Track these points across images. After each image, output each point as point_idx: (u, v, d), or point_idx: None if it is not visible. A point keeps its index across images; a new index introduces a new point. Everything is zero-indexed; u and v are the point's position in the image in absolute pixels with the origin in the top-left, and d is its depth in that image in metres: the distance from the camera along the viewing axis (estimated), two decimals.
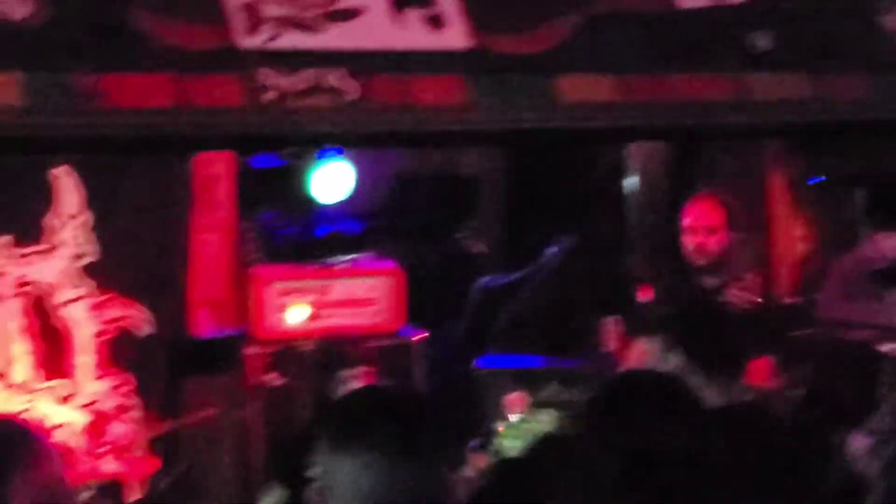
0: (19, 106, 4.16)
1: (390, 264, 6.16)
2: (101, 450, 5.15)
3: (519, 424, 4.92)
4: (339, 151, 5.75)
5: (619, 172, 6.77)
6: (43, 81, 3.28)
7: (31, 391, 5.40)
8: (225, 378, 5.73)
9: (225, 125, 4.72)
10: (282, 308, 5.83)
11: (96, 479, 4.76)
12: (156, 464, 5.03)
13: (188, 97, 4.51)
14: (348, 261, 6.15)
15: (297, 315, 5.84)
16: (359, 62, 4.85)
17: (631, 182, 6.73)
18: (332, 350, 5.85)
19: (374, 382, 5.42)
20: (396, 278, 6.03)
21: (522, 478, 3.02)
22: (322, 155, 5.76)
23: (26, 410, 5.46)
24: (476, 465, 4.55)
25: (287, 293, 5.86)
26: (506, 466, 3.50)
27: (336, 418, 2.20)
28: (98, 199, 5.68)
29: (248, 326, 5.86)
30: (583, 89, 5.03)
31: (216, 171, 5.99)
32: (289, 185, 6.00)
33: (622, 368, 4.26)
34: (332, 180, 5.89)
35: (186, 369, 5.70)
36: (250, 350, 5.80)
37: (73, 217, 5.65)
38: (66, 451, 5.36)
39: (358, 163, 5.96)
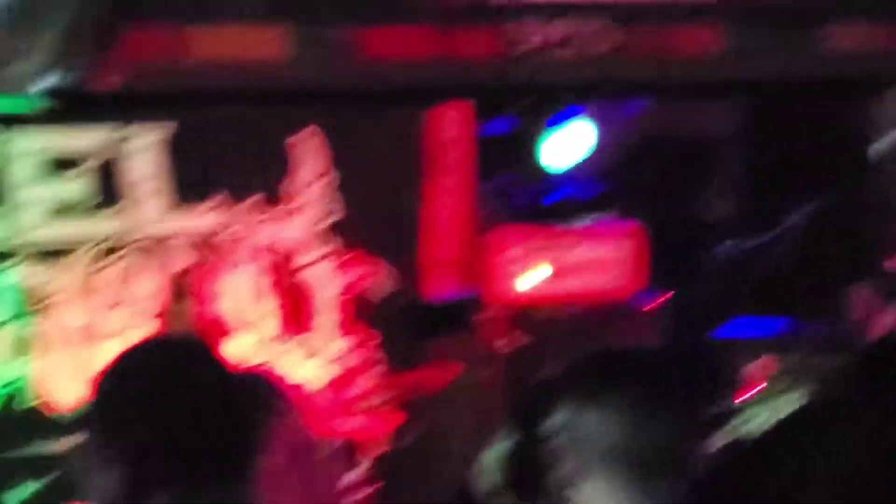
0: (284, 60, 4.22)
1: (632, 225, 6.04)
2: (344, 406, 5.26)
3: (765, 396, 4.78)
4: (580, 110, 5.68)
5: (870, 130, 6.47)
6: (306, 35, 3.32)
7: (277, 348, 5.56)
8: (465, 339, 5.76)
9: (483, 77, 4.71)
10: (519, 271, 5.81)
11: (339, 434, 4.87)
12: (397, 421, 5.11)
13: (447, 49, 4.51)
14: (588, 222, 6.07)
15: (534, 278, 5.82)
16: (617, 12, 4.76)
17: (884, 140, 6.42)
18: (571, 314, 5.81)
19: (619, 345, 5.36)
20: (638, 240, 5.92)
21: (768, 456, 2.93)
22: (560, 117, 5.70)
23: (272, 366, 5.64)
24: (717, 440, 4.44)
25: (524, 256, 5.84)
26: (749, 443, 3.40)
27: (584, 373, 2.20)
28: (341, 160, 5.80)
29: (483, 290, 5.87)
30: (850, 37, 4.80)
31: (454, 133, 6.01)
32: (524, 149, 5.97)
33: (872, 337, 4.08)
34: (569, 142, 5.82)
35: (426, 330, 5.77)
36: (487, 313, 5.81)
37: (317, 178, 5.78)
38: (310, 407, 5.51)
39: (597, 123, 5.88)
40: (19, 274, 5.26)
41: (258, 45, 2.58)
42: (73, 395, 5.30)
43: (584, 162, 5.97)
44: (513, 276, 5.83)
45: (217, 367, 1.86)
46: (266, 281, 5.68)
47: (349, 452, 4.96)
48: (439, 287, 5.95)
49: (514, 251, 5.84)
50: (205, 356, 1.88)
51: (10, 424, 5.16)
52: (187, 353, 1.89)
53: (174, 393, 1.79)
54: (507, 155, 6.20)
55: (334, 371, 5.52)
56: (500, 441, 3.37)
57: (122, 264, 5.43)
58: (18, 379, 5.26)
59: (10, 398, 5.23)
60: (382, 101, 4.78)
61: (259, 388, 2.02)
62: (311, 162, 5.76)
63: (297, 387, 5.65)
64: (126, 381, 1.85)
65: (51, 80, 1.39)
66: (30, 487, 4.39)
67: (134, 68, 1.74)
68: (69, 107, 3.47)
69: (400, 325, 5.85)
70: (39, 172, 5.28)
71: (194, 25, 3.72)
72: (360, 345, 5.84)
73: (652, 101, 6.42)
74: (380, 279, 5.86)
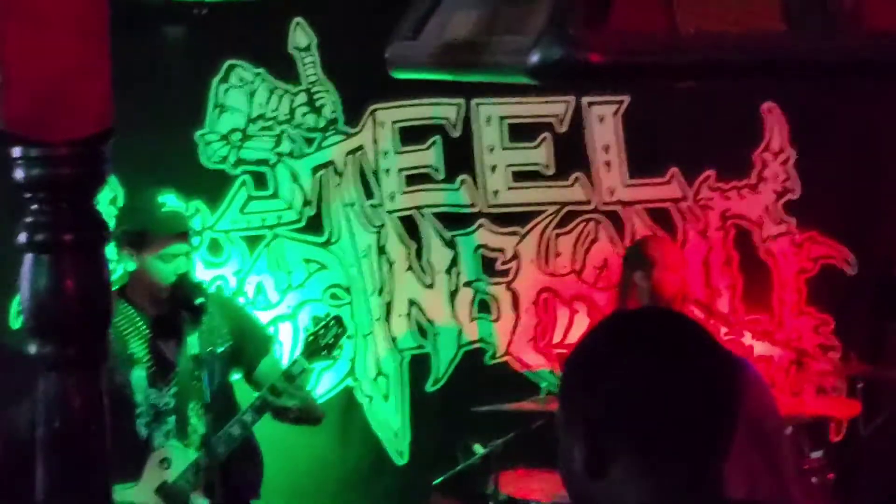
0: (781, 29, 4.07)
1: None
2: (801, 387, 5.09)
3: None
4: None
5: None
6: (801, 2, 3.17)
7: (734, 323, 5.45)
8: None
9: None
10: None
11: (796, 414, 4.71)
12: (856, 407, 4.88)
13: None
14: None
15: None
16: None
17: None
18: None
19: None
20: None
21: None
22: None
23: (728, 342, 5.54)
24: None
25: None
26: None
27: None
28: (802, 137, 5.60)
29: None
30: None
31: None
32: None
33: None
34: None
35: (891, 312, 5.47)
36: None
37: (777, 153, 5.62)
38: (769, 385, 5.38)
39: None
40: (482, 237, 5.45)
41: (751, 15, 2.48)
42: (533, 357, 5.46)
43: None
44: None
45: (706, 339, 1.79)
46: (727, 253, 5.58)
47: (810, 434, 4.78)
48: None
49: None
50: (693, 328, 1.81)
51: (474, 381, 5.37)
52: (677, 325, 1.83)
53: (661, 364, 1.73)
54: None
55: (790, 351, 5.34)
56: None
57: (579, 231, 5.50)
58: (481, 338, 5.46)
59: (474, 355, 5.44)
60: (882, 74, 4.49)
61: (736, 363, 1.93)
62: (773, 136, 5.60)
63: (759, 364, 5.54)
64: (611, 345, 1.81)
65: (544, 52, 1.40)
66: (493, 442, 4.55)
67: (624, 39, 1.71)
68: (562, 79, 3.51)
69: (862, 308, 5.59)
70: (503, 138, 5.44)
71: None
72: (817, 326, 5.63)
73: None
74: (840, 260, 5.62)
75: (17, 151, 1.63)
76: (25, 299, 1.65)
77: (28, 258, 1.66)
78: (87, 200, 1.65)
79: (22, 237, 1.65)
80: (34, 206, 1.64)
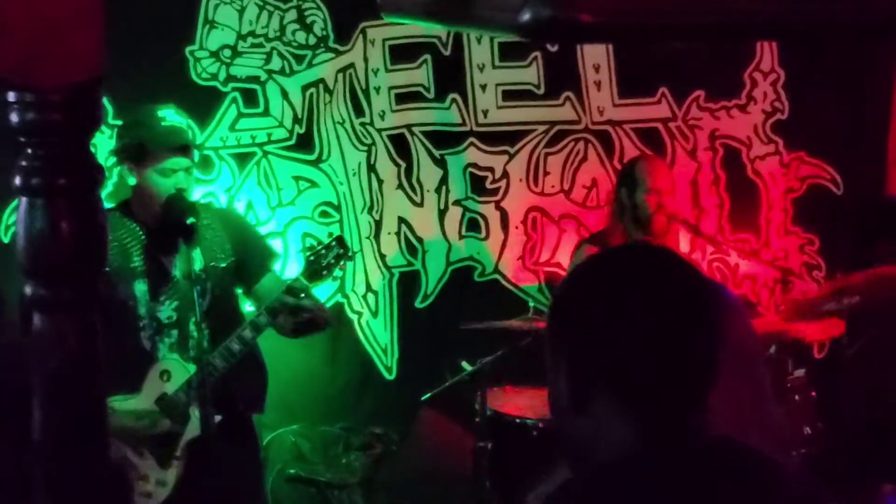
0: None
1: None
2: (785, 306, 5.14)
3: None
4: None
5: None
6: None
7: (721, 242, 5.50)
8: None
9: None
10: None
11: (779, 333, 4.77)
12: (840, 327, 4.94)
13: None
14: None
15: None
16: None
17: None
18: None
19: None
20: None
21: None
22: None
23: (714, 261, 5.60)
24: None
25: None
26: None
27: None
28: (791, 58, 5.59)
29: None
30: None
31: None
32: None
33: None
34: None
35: (878, 231, 5.51)
36: None
37: (767, 73, 5.62)
38: (752, 304, 5.45)
39: None
40: (471, 156, 5.47)
41: None
42: (521, 275, 5.50)
43: None
44: None
45: (690, 277, 1.81)
46: (715, 173, 5.61)
47: (792, 353, 4.84)
48: None
49: None
50: (678, 265, 1.84)
51: (463, 298, 5.43)
52: (659, 258, 1.86)
53: (644, 303, 1.76)
54: None
55: (776, 270, 5.39)
56: None
57: (568, 151, 5.52)
58: (470, 256, 5.51)
59: (463, 273, 5.49)
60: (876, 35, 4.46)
61: (718, 296, 1.95)
62: (763, 56, 5.60)
63: (741, 285, 5.61)
64: (595, 282, 1.83)
65: (535, 11, 1.40)
66: (481, 359, 4.60)
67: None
68: (553, 37, 3.49)
69: (848, 228, 5.63)
70: (493, 57, 5.43)
71: None
72: (802, 245, 5.68)
73: None
74: (825, 180, 5.66)
75: (12, 96, 1.64)
76: (21, 242, 1.68)
77: (23, 202, 1.68)
78: (82, 145, 1.67)
79: (17, 181, 1.68)
80: (28, 151, 1.66)
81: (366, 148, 5.38)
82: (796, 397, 4.82)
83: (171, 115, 4.80)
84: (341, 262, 4.08)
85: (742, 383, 3.62)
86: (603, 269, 1.85)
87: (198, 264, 3.96)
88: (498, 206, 5.50)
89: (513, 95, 5.46)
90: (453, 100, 5.41)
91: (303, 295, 3.97)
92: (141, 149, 3.96)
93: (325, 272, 4.03)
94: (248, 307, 4.33)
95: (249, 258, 4.15)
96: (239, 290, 4.21)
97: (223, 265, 4.07)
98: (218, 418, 3.86)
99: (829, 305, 4.76)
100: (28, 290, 1.72)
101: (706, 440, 1.74)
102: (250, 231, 4.39)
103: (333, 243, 4.07)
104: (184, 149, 4.00)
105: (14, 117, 1.68)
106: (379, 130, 5.38)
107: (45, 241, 1.69)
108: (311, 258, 4.02)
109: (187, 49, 5.17)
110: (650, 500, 1.68)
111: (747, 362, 3.71)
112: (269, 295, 4.00)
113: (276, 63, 5.26)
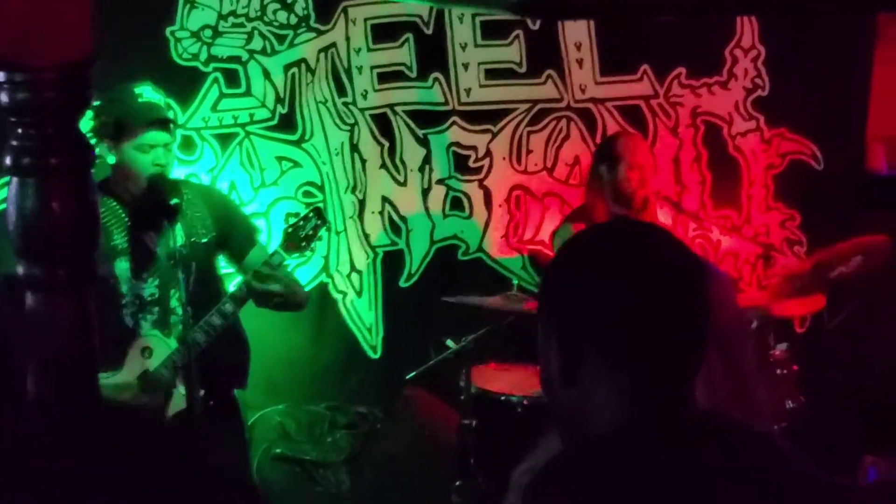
0: None
1: None
2: (769, 280, 5.17)
3: None
4: None
5: None
6: None
7: (703, 219, 5.52)
8: None
9: None
10: None
11: (762, 307, 4.79)
12: (821, 301, 4.97)
13: None
14: None
15: None
16: None
17: None
18: None
19: None
20: None
21: None
22: None
23: (696, 238, 5.62)
24: None
25: None
26: None
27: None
28: (771, 34, 5.61)
29: None
30: None
31: None
32: None
33: None
34: None
35: (858, 206, 5.54)
36: None
37: (748, 50, 5.63)
38: (734, 279, 5.47)
39: None
40: (454, 135, 5.47)
41: None
42: (505, 253, 5.52)
43: None
44: None
45: (676, 252, 1.82)
46: (697, 150, 5.62)
47: (773, 328, 4.87)
48: (881, 161, 5.68)
49: None
50: (662, 234, 1.85)
51: (447, 277, 5.44)
52: (646, 231, 1.87)
53: (633, 269, 1.77)
54: None
55: (758, 245, 5.43)
56: None
57: (551, 129, 5.53)
58: (454, 235, 5.52)
59: (447, 252, 5.50)
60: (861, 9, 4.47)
61: (704, 272, 1.96)
62: (744, 32, 5.61)
63: (722, 259, 5.63)
64: (584, 255, 1.85)
65: None
66: (466, 337, 4.62)
67: None
68: (544, 15, 3.52)
69: (829, 203, 5.66)
70: (475, 36, 5.43)
71: None
72: (784, 221, 5.71)
73: None
74: (807, 156, 5.68)
75: (2, 76, 1.64)
76: (13, 222, 1.68)
77: (14, 182, 1.69)
78: (72, 124, 1.67)
79: (8, 160, 1.68)
80: (19, 130, 1.66)
81: (348, 127, 5.38)
82: (778, 371, 4.84)
83: (147, 92, 4.78)
84: (319, 233, 4.07)
85: (718, 360, 3.66)
86: (592, 242, 1.86)
87: (179, 240, 3.94)
88: (481, 185, 5.51)
89: (495, 74, 5.46)
90: (436, 79, 5.41)
91: (271, 280, 3.97)
92: (118, 126, 3.95)
93: (303, 243, 4.03)
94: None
95: (235, 233, 4.15)
96: (230, 268, 4.22)
97: (204, 240, 4.07)
98: (201, 392, 3.87)
99: (824, 274, 4.75)
100: (21, 269, 1.72)
101: (696, 412, 1.76)
102: (232, 207, 4.38)
103: (311, 214, 4.06)
104: (161, 123, 3.99)
105: (4, 97, 1.68)
106: (361, 110, 5.38)
107: (37, 220, 1.69)
108: (290, 230, 4.02)
109: (168, 29, 5.16)
110: (642, 472, 1.69)
111: (726, 340, 3.75)
112: (256, 268, 4.01)
113: (257, 43, 5.25)
